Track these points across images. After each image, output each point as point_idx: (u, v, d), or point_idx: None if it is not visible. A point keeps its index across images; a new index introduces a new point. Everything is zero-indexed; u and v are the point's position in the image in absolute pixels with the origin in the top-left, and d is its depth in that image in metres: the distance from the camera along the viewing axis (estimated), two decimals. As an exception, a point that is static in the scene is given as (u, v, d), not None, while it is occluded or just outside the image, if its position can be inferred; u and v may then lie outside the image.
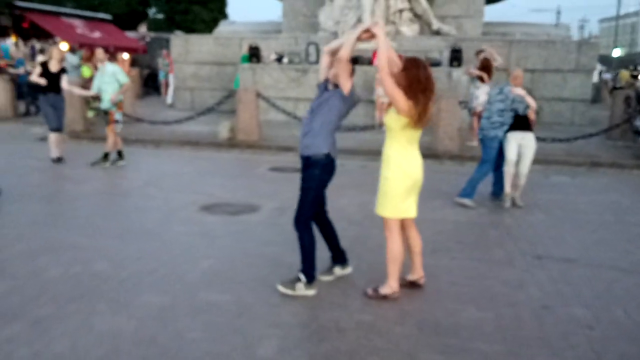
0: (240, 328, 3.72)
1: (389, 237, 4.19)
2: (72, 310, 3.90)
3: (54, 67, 9.14)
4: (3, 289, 4.24)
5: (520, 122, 7.07)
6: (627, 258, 5.24)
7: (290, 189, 7.65)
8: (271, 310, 4.00)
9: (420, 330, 3.76)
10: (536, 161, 10.19)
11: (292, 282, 4.26)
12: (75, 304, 4.00)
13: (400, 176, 4.06)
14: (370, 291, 4.26)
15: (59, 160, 9.17)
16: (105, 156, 8.96)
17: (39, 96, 9.40)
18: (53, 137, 9.21)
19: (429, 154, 9.63)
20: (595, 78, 20.84)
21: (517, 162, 7.16)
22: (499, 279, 4.68)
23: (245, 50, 14.89)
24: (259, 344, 3.52)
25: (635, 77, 19.05)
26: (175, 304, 4.05)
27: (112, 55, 8.99)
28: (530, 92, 7.30)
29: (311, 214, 4.29)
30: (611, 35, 60.08)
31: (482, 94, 10.50)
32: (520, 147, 7.12)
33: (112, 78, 8.77)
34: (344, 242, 4.78)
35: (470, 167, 8.57)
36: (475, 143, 10.53)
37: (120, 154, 9.11)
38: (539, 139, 10.44)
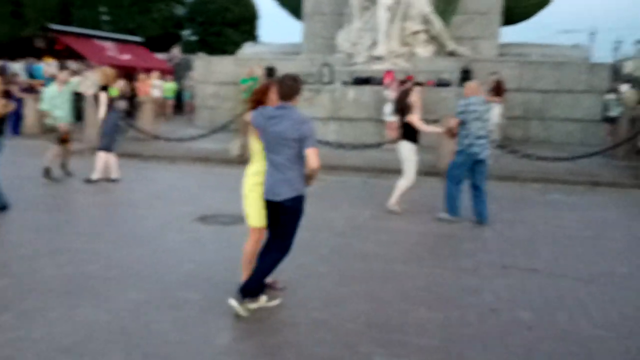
0: (204, 321, 4.09)
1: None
2: (56, 304, 4.33)
3: (90, 90, 9.69)
4: (2, 284, 4.71)
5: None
6: (590, 269, 5.44)
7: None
8: (236, 307, 4.35)
9: (368, 327, 4.06)
10: (535, 179, 10.41)
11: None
12: (60, 299, 4.44)
13: None
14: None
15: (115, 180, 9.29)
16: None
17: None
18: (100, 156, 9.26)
19: (432, 172, 9.91)
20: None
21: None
22: (458, 285, 4.95)
23: (247, 73, 15.20)
24: (217, 334, 3.89)
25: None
26: (151, 300, 4.45)
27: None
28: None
29: None
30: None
31: (493, 115, 10.70)
32: None
33: None
34: (323, 251, 5.16)
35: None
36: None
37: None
38: (540, 158, 10.71)
